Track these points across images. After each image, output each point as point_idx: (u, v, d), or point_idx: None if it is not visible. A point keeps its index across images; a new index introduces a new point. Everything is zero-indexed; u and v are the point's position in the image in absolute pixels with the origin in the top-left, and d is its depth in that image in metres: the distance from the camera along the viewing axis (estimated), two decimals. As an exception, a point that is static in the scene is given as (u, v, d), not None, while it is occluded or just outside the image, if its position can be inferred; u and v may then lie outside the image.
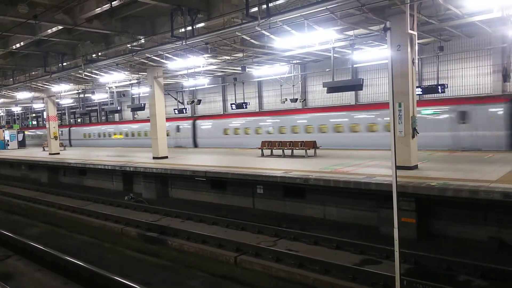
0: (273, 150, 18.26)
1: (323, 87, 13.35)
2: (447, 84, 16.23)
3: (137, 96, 26.30)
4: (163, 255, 10.21)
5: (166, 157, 19.59)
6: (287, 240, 9.99)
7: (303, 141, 17.43)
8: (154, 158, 19.57)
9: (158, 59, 18.12)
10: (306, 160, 15.64)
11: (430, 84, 17.61)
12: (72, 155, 25.66)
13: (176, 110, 24.52)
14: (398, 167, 8.92)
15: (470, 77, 19.85)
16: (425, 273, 7.55)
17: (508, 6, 11.69)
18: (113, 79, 22.87)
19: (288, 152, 17.55)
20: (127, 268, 9.26)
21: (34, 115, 52.93)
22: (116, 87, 25.33)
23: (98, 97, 31.18)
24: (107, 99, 28.41)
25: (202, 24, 14.79)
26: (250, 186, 13.73)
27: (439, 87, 15.31)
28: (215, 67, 21.62)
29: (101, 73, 21.46)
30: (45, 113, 30.74)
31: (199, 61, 18.42)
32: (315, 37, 14.86)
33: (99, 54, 19.25)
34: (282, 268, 8.32)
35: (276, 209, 13.17)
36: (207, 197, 15.54)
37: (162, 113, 20.17)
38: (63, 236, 12.78)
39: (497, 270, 7.29)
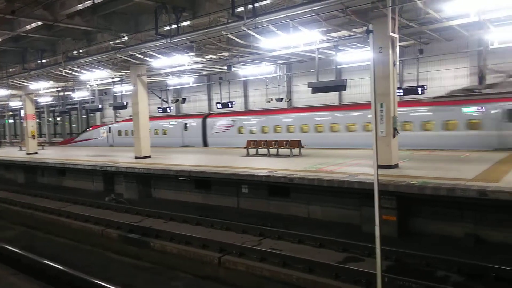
0: (259, 150, 18.37)
1: (308, 87, 13.56)
2: (426, 86, 16.64)
3: (120, 94, 26.05)
4: (145, 256, 10.09)
5: (149, 157, 19.46)
6: (271, 239, 10.08)
7: (287, 141, 17.60)
8: (136, 157, 19.40)
9: (141, 57, 17.97)
10: (291, 159, 15.81)
11: (411, 85, 18.02)
12: (51, 155, 25.16)
13: (160, 109, 24.36)
14: (379, 166, 9.16)
15: (448, 79, 20.44)
16: (405, 270, 7.76)
17: (484, 11, 12.11)
18: (94, 76, 22.56)
19: (273, 151, 17.70)
20: (108, 271, 9.11)
21: (11, 113, 51.60)
22: (97, 85, 25.01)
23: (79, 95, 30.72)
24: (88, 97, 28.02)
25: (187, 23, 14.80)
26: (235, 185, 13.79)
27: (419, 88, 15.70)
28: (200, 66, 21.60)
29: (82, 71, 21.15)
30: (22, 112, 30.02)
31: (184, 60, 18.36)
32: (300, 38, 15.05)
33: (81, 51, 18.98)
34: (266, 268, 8.40)
35: (261, 209, 13.27)
36: (190, 197, 15.52)
37: (145, 111, 20.00)
38: (40, 238, 12.40)
39: (473, 265, 7.57)
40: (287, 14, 12.15)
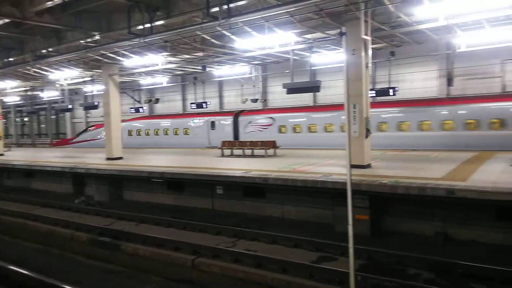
0: (233, 150, 18.33)
1: (283, 88, 13.61)
2: (397, 87, 17.05)
3: (91, 94, 25.42)
4: (117, 260, 9.86)
5: (121, 158, 19.08)
6: (246, 240, 10.06)
7: (262, 141, 17.64)
8: (107, 159, 18.98)
9: (114, 56, 17.59)
10: (266, 160, 15.85)
11: (383, 87, 18.43)
12: (18, 157, 24.27)
13: (132, 109, 23.92)
14: (352, 166, 9.29)
15: (418, 81, 21.02)
16: (378, 268, 7.91)
17: (452, 16, 12.51)
18: (64, 76, 21.91)
19: (248, 152, 17.68)
20: (77, 275, 8.86)
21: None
22: (68, 84, 24.31)
23: (48, 94, 29.79)
24: (58, 97, 27.21)
25: (161, 22, 14.58)
26: (209, 186, 13.69)
27: (390, 90, 16.06)
28: (174, 65, 21.33)
29: (52, 70, 20.50)
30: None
31: (157, 59, 18.10)
32: (275, 39, 15.11)
33: (50, 49, 18.39)
34: (240, 269, 8.36)
35: (235, 209, 13.23)
36: (163, 199, 15.29)
37: (117, 112, 19.60)
38: (6, 243, 11.96)
39: (442, 263, 7.78)
40: (262, 15, 12.17)
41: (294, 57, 16.77)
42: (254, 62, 22.98)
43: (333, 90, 22.66)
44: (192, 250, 9.45)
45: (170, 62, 20.22)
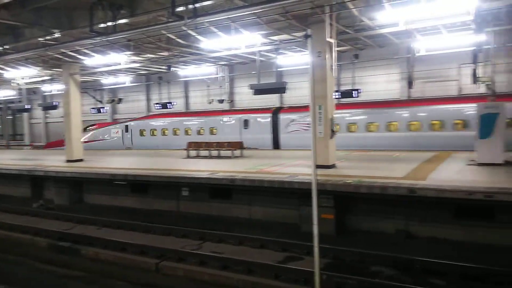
0: (200, 151, 18.15)
1: (249, 89, 13.64)
2: (361, 89, 17.49)
3: (50, 93, 24.43)
4: (77, 265, 9.49)
5: (81, 160, 18.46)
6: (212, 242, 9.97)
7: (229, 142, 17.57)
8: (67, 161, 18.30)
9: (74, 54, 17.00)
10: (233, 161, 15.80)
11: (347, 88, 18.86)
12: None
13: (93, 109, 23.23)
14: (318, 166, 9.40)
15: (381, 83, 21.67)
16: (343, 267, 8.05)
17: (412, 21, 12.98)
18: (21, 74, 20.93)
19: (215, 153, 17.57)
20: (36, 282, 8.51)
21: None
22: (25, 83, 23.24)
23: (4, 94, 28.38)
24: (14, 97, 25.97)
25: (125, 21, 14.21)
26: (175, 188, 13.47)
27: (354, 91, 16.45)
28: (138, 65, 20.90)
29: (7, 68, 19.53)
30: None
31: (120, 59, 17.65)
32: (242, 40, 15.11)
33: (6, 47, 17.49)
34: (206, 272, 8.28)
35: (202, 211, 13.07)
36: (127, 202, 14.84)
37: (77, 112, 18.95)
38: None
39: (403, 259, 8.03)
40: (229, 16, 12.13)
41: (261, 58, 16.85)
42: (220, 63, 22.92)
43: (300, 92, 22.95)
44: (156, 254, 9.26)
45: (134, 62, 19.79)
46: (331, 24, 12.59)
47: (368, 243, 9.33)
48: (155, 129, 25.35)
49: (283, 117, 21.46)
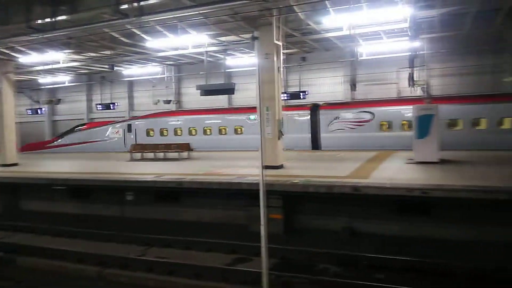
0: (144, 154, 17.61)
1: (196, 89, 13.39)
2: (308, 91, 17.91)
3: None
4: (13, 276, 8.83)
5: (16, 164, 17.24)
6: (158, 247, 9.71)
7: (176, 144, 17.22)
8: (1, 165, 17.00)
9: (8, 52, 15.83)
10: (180, 163, 15.50)
11: (295, 90, 19.24)
12: None
13: (29, 111, 21.79)
14: (266, 167, 9.43)
15: (326, 85, 22.37)
16: (291, 266, 8.16)
17: (355, 26, 13.51)
18: None
19: (161, 155, 17.15)
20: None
21: None
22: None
23: None
24: None
25: (65, 17, 13.45)
26: (119, 193, 12.93)
27: (301, 93, 16.79)
28: (79, 64, 19.89)
29: None
30: None
31: (58, 57, 16.71)
32: (189, 40, 14.89)
33: None
34: (151, 278, 8.04)
35: (148, 216, 12.66)
36: (67, 208, 14.00)
37: (11, 113, 17.68)
38: None
39: (348, 256, 8.31)
40: (175, 15, 11.91)
41: (209, 59, 16.73)
42: (167, 63, 22.44)
43: (249, 93, 23.06)
44: (98, 261, 8.84)
45: (74, 60, 18.84)
46: (278, 27, 12.76)
47: (315, 242, 9.54)
48: (166, 129, 22.40)
49: (324, 114, 19.51)
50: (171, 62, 22.43)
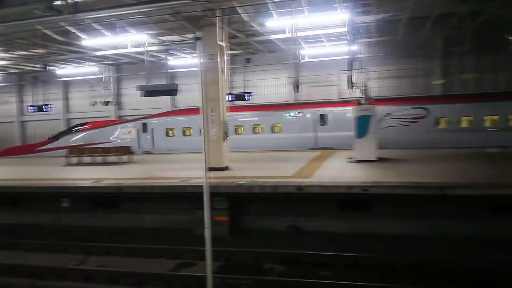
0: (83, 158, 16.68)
1: (136, 90, 12.88)
2: (253, 92, 18.00)
3: None
4: None
5: None
6: (98, 256, 9.18)
7: (116, 147, 16.50)
8: None
9: None
10: (121, 167, 14.86)
11: (240, 91, 19.24)
12: None
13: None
14: (211, 169, 9.30)
15: (271, 87, 22.68)
16: (236, 267, 8.09)
17: (297, 29, 13.78)
18: None
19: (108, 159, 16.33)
20: None
21: None
22: None
23: None
24: None
25: (-10, 12, 12.40)
26: (53, 200, 12.09)
27: (246, 94, 16.83)
28: (8, 62, 18.47)
29: None
30: None
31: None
32: (128, 39, 14.36)
33: None
34: (91, 287, 7.63)
35: (86, 223, 11.94)
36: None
37: None
38: None
39: (293, 254, 8.39)
40: (114, 13, 11.45)
41: (151, 59, 16.27)
42: (105, 62, 21.52)
43: (193, 94, 22.74)
44: (30, 273, 8.17)
45: (3, 59, 17.46)
46: (222, 28, 12.67)
47: (261, 242, 9.54)
48: (190, 128, 20.69)
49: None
50: (109, 62, 21.53)
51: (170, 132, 21.00)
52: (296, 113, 19.65)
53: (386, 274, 7.48)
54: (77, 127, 23.11)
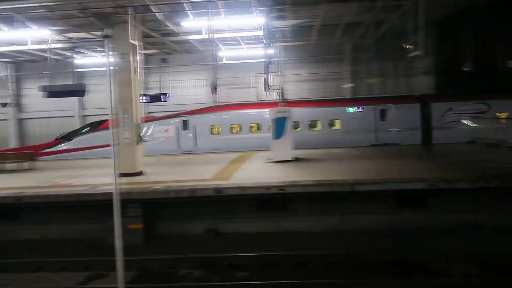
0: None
1: (38, 91, 11.79)
2: (169, 94, 17.52)
3: None
4: None
5: None
6: (-3, 274, 8.21)
7: (15, 153, 14.87)
8: None
9: None
10: (21, 175, 13.45)
11: (156, 93, 18.59)
12: None
13: None
14: (123, 174, 8.83)
15: (189, 88, 22.38)
16: (150, 276, 7.78)
17: (214, 31, 13.74)
18: None
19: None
20: None
21: None
22: None
23: None
24: None
25: None
26: None
27: (162, 96, 16.30)
28: None
29: None
30: None
31: None
32: (28, 35, 13.12)
33: None
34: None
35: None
36: None
37: None
38: None
39: (210, 258, 8.31)
40: (11, 6, 10.39)
41: (56, 57, 15.04)
42: (2, 60, 19.46)
43: (104, 94, 21.46)
44: None
45: None
46: (135, 26, 12.13)
47: (178, 247, 9.29)
48: (240, 125, 19.01)
49: (436, 105, 18.09)
50: (7, 60, 19.48)
51: (216, 129, 19.19)
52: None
53: (304, 272, 7.70)
54: (93, 125, 19.67)
